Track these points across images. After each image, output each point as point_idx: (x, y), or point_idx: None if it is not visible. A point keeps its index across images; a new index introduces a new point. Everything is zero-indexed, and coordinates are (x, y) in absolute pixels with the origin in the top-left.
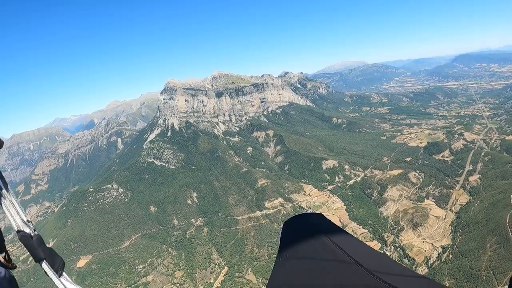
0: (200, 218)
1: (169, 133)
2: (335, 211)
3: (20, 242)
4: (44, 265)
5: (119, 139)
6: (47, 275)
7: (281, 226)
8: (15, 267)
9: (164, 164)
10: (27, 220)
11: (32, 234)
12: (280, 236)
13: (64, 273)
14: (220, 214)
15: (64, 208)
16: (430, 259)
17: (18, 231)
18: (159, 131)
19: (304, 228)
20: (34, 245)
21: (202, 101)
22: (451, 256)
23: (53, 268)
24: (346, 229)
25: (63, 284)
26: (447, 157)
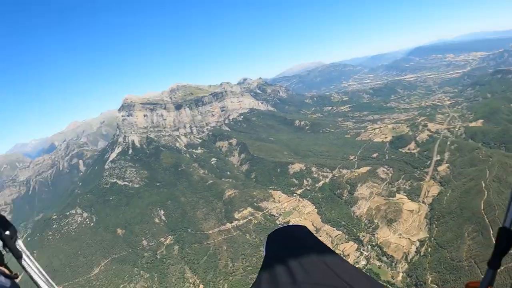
0: (170, 236)
1: (130, 151)
2: (307, 215)
3: None
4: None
5: (81, 161)
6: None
7: (265, 239)
8: (17, 277)
9: (128, 184)
10: None
11: None
12: (264, 251)
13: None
14: (189, 230)
15: (28, 239)
16: (409, 254)
17: None
18: (120, 150)
19: (291, 244)
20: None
21: (162, 115)
22: (429, 249)
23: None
24: (320, 232)
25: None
26: (413, 150)
